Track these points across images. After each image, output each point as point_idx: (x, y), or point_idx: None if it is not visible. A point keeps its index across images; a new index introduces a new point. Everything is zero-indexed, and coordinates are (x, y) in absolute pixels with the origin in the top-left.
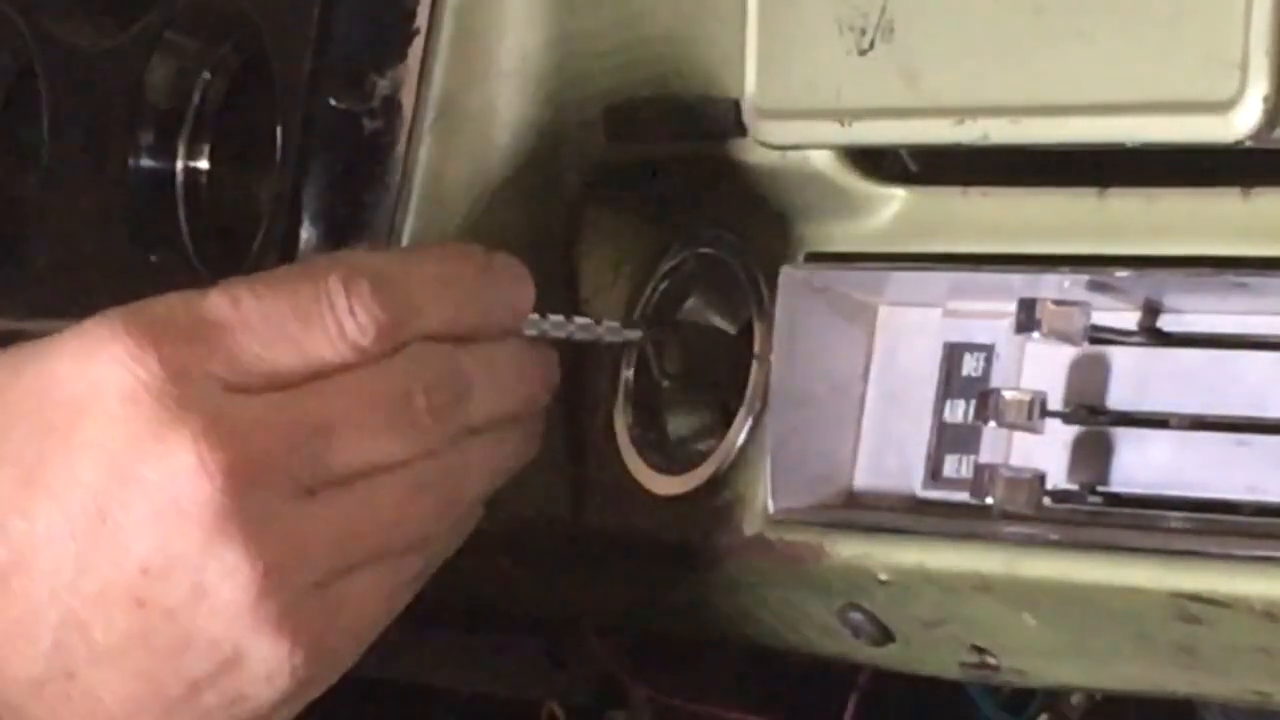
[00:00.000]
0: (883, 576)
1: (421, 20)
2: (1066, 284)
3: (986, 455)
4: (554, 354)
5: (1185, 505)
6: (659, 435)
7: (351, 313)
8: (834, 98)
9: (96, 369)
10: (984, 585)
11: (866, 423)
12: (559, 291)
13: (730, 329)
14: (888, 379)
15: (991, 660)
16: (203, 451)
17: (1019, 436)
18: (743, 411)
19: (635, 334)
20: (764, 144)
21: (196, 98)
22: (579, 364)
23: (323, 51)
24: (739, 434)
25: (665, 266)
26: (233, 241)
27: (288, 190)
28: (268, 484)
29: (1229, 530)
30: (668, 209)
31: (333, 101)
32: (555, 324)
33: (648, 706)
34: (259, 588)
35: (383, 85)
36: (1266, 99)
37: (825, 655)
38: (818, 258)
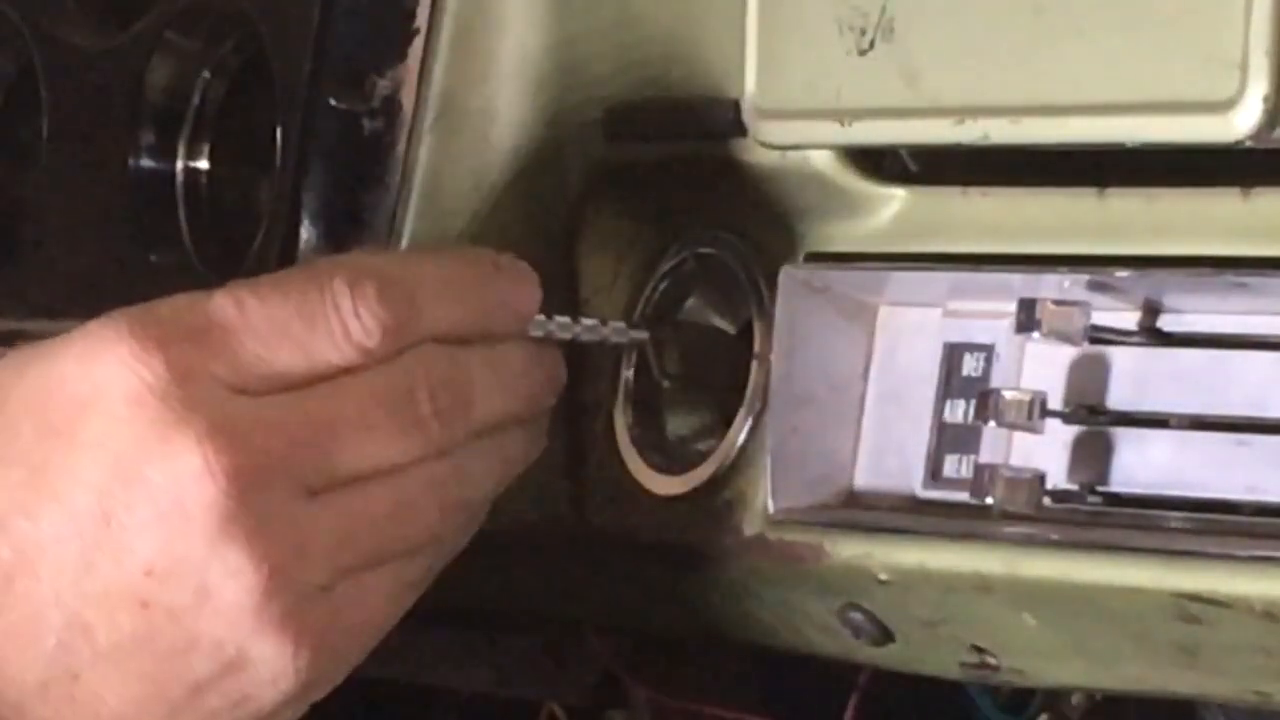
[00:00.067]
0: (883, 576)
1: (421, 20)
2: (1066, 284)
3: (986, 455)
4: (559, 355)
5: (1185, 505)
6: (659, 435)
7: (356, 315)
8: (834, 98)
9: (101, 370)
10: (984, 585)
11: (866, 423)
12: (559, 291)
13: (730, 329)
14: (888, 379)
15: (991, 660)
16: (207, 453)
17: (1019, 436)
18: (743, 411)
19: (641, 335)
20: (764, 144)
21: (196, 98)
22: (579, 364)
23: (323, 51)
24: (739, 434)
25: (665, 266)
26: (233, 241)
27: (288, 190)
28: (272, 486)
29: (1229, 530)
30: (668, 209)
31: (333, 101)
32: (561, 325)
33: (648, 706)
34: (263, 589)
35: (383, 85)
36: (1266, 99)
37: (825, 655)
38: (818, 258)
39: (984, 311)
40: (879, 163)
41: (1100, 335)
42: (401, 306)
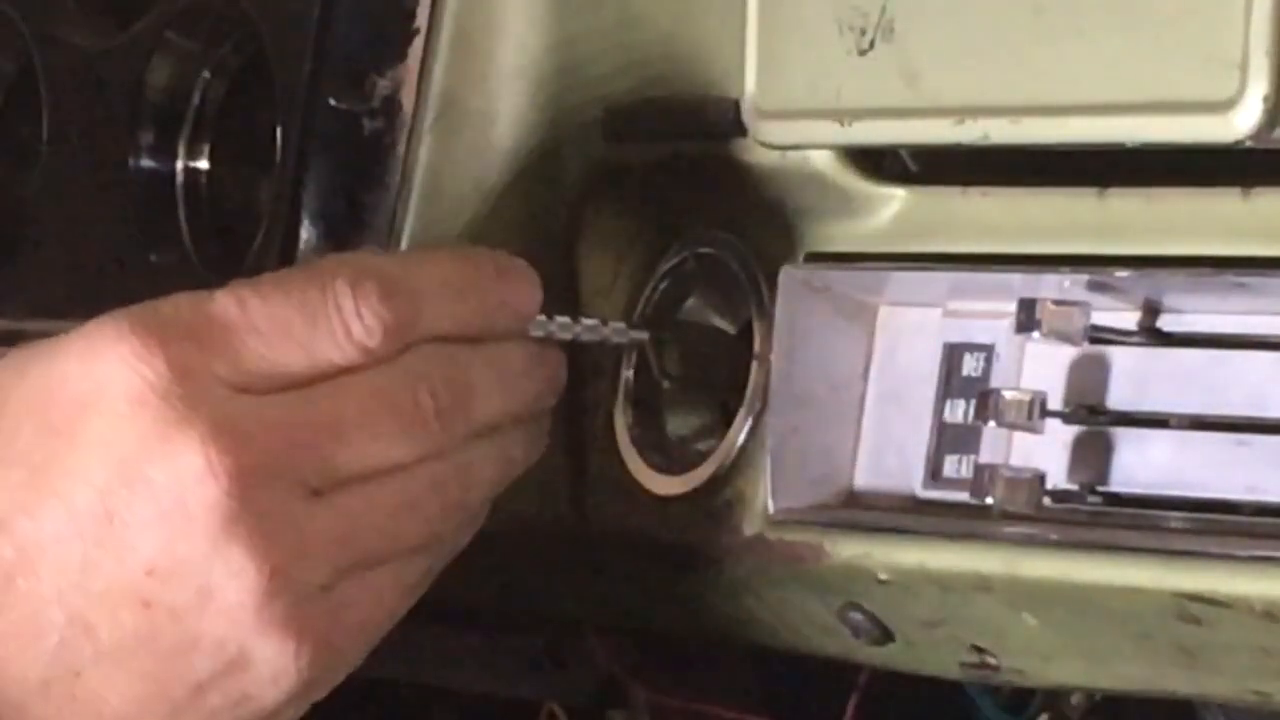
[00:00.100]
0: (883, 576)
1: (421, 20)
2: (1066, 284)
3: (986, 455)
4: (561, 355)
5: (1185, 505)
6: (659, 435)
7: (358, 314)
8: (834, 98)
9: (103, 369)
10: (984, 585)
11: (866, 423)
12: (559, 292)
13: (730, 329)
14: (888, 379)
15: (991, 660)
16: (209, 453)
17: (1019, 436)
18: (743, 411)
19: (642, 335)
20: (764, 144)
21: (196, 98)
22: (579, 364)
23: (323, 51)
24: (739, 434)
25: (665, 266)
26: (233, 241)
27: (288, 190)
28: (274, 485)
29: (1229, 530)
30: (668, 209)
31: (333, 101)
32: (562, 325)
33: (647, 706)
34: (265, 589)
35: (383, 85)
36: (1266, 99)
37: (825, 655)
38: (818, 258)
39: (984, 311)
40: (879, 163)
41: (1100, 335)
42: (403, 306)
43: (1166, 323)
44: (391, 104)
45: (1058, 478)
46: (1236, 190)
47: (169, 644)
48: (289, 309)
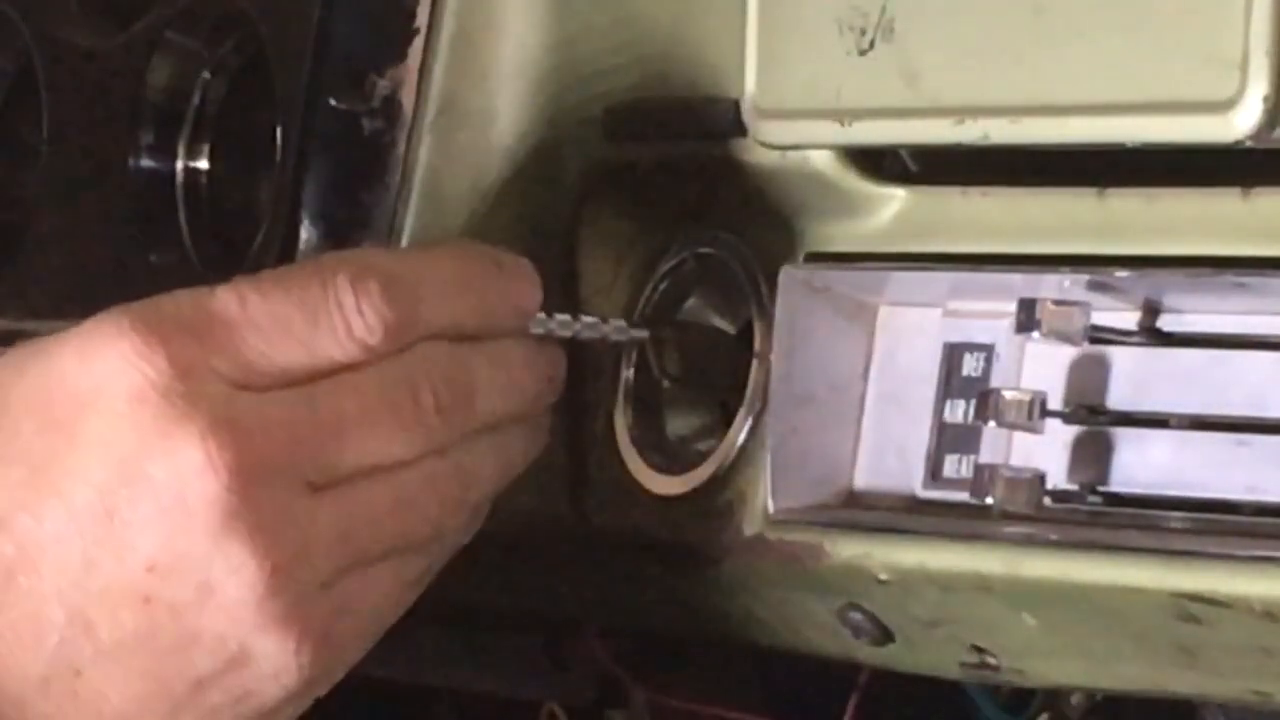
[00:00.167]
0: (883, 576)
1: (421, 20)
2: (1066, 284)
3: (986, 455)
4: (561, 353)
5: (1185, 505)
6: (659, 435)
7: (359, 311)
8: (834, 98)
9: (103, 366)
10: (984, 585)
11: (866, 423)
12: (559, 291)
13: (730, 329)
14: (888, 379)
15: (991, 660)
16: (210, 449)
17: (1019, 436)
18: (743, 411)
19: (642, 333)
20: (764, 144)
21: (196, 98)
22: (579, 364)
23: (323, 51)
24: (739, 434)
25: (665, 266)
26: (233, 241)
27: (288, 190)
28: (275, 482)
29: (1229, 530)
30: (668, 209)
31: (333, 101)
32: (562, 323)
33: (647, 706)
34: (266, 585)
35: (383, 85)
36: (1266, 99)
37: (825, 655)
38: (818, 258)
39: (984, 311)
40: (879, 163)
41: (1100, 335)
42: (404, 303)
43: (1166, 323)
44: (391, 104)
45: (1058, 478)
46: (1236, 190)
47: (169, 641)
48: (290, 306)
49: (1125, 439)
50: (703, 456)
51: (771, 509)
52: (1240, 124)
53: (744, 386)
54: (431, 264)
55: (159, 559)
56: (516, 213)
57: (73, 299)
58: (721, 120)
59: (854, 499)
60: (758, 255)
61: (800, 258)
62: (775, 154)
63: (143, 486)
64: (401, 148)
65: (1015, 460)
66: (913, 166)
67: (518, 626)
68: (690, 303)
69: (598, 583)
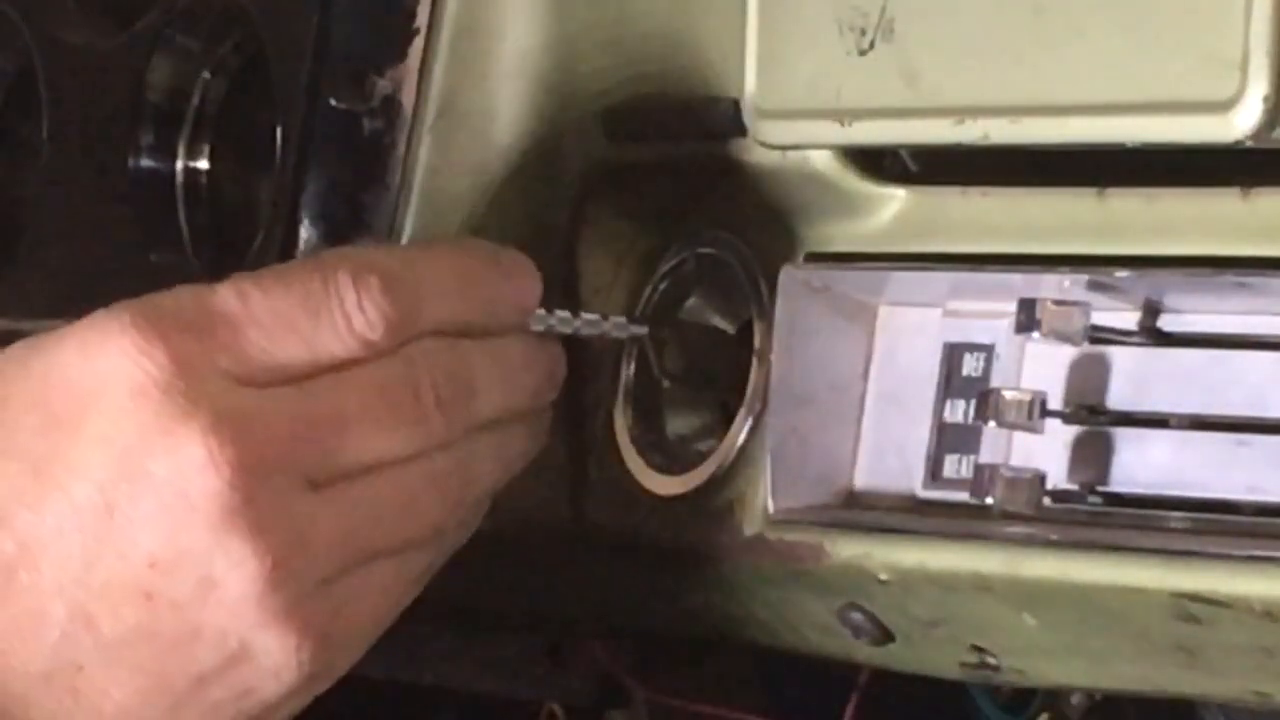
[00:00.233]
0: (883, 576)
1: (421, 20)
2: (1066, 284)
3: (986, 455)
4: (561, 349)
5: (1185, 505)
6: (659, 435)
7: (360, 308)
8: (834, 98)
9: (104, 362)
10: (984, 585)
11: (866, 423)
12: (560, 291)
13: (730, 329)
14: (888, 379)
15: (991, 660)
16: (211, 445)
17: (1019, 436)
18: (743, 411)
19: (641, 329)
20: (764, 144)
21: (196, 98)
22: (579, 364)
23: (323, 51)
24: (739, 434)
25: (665, 266)
26: (233, 241)
27: (288, 190)
28: (276, 478)
29: (1229, 530)
30: (668, 209)
31: (333, 101)
32: (562, 319)
33: (647, 706)
34: (266, 581)
35: (383, 85)
36: (1266, 99)
37: (825, 655)
38: (818, 258)
39: (984, 311)
40: (879, 163)
41: (1100, 335)
42: (404, 299)
43: (1166, 323)
44: (391, 104)
45: (1058, 478)
46: (1236, 190)
47: (170, 636)
48: (290, 302)
49: (1125, 439)
50: (703, 456)
51: (771, 509)
52: (1240, 124)
53: (744, 386)
54: (432, 260)
55: (160, 555)
56: (517, 213)
57: (73, 299)
58: (721, 120)
59: (854, 499)
60: (758, 255)
61: (800, 258)
62: (775, 154)
63: (144, 482)
64: (401, 148)
65: (1015, 460)
66: (913, 166)
67: (518, 626)
68: (690, 302)
69: (598, 583)
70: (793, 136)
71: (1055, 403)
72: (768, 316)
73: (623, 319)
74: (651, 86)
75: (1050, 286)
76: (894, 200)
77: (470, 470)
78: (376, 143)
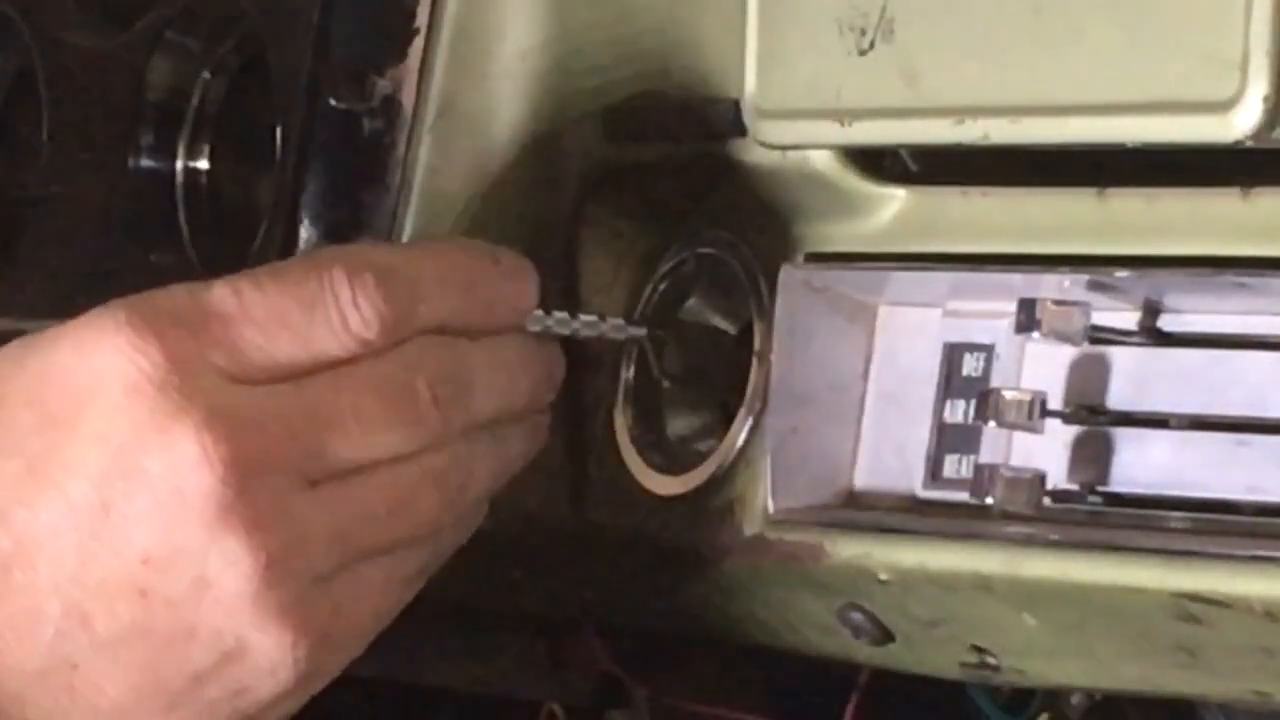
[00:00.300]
0: (883, 576)
1: (421, 20)
2: (1066, 284)
3: (986, 455)
4: (559, 350)
5: (1185, 505)
6: (659, 435)
7: (355, 305)
8: (834, 98)
9: (99, 360)
10: (984, 585)
11: (866, 423)
12: (559, 291)
13: (730, 329)
14: (888, 379)
15: (991, 660)
16: (205, 442)
17: (1019, 436)
18: (743, 411)
19: (639, 331)
20: (764, 144)
21: (196, 98)
22: (579, 364)
23: (323, 51)
24: (739, 434)
25: (665, 266)
26: (233, 241)
27: (288, 190)
28: (270, 475)
29: (1229, 530)
30: (668, 209)
31: (333, 101)
32: (559, 320)
33: (647, 706)
34: (261, 579)
35: (383, 85)
36: (1266, 99)
37: (825, 655)
38: (818, 258)
39: (984, 311)
40: (879, 163)
41: (1100, 335)
42: (401, 298)
43: (1166, 323)
44: (391, 104)
45: (1058, 478)
46: (1236, 190)
47: (166, 634)
48: (286, 299)
49: (1125, 439)
50: (703, 456)
51: (771, 509)
52: (1240, 124)
53: (744, 386)
54: (429, 259)
55: (155, 552)
56: (516, 213)
57: (73, 298)
58: (721, 120)
59: (854, 499)
60: (758, 255)
61: (800, 258)
62: (775, 154)
63: (138, 480)
64: (401, 148)
65: (1015, 460)
66: (913, 166)
67: (518, 626)
68: (690, 303)
69: (598, 583)
70: (793, 136)
71: (1055, 403)
72: (768, 316)
73: (621, 320)
74: (651, 86)
75: (1050, 286)
76: (894, 200)
77: (467, 469)
78: (376, 143)
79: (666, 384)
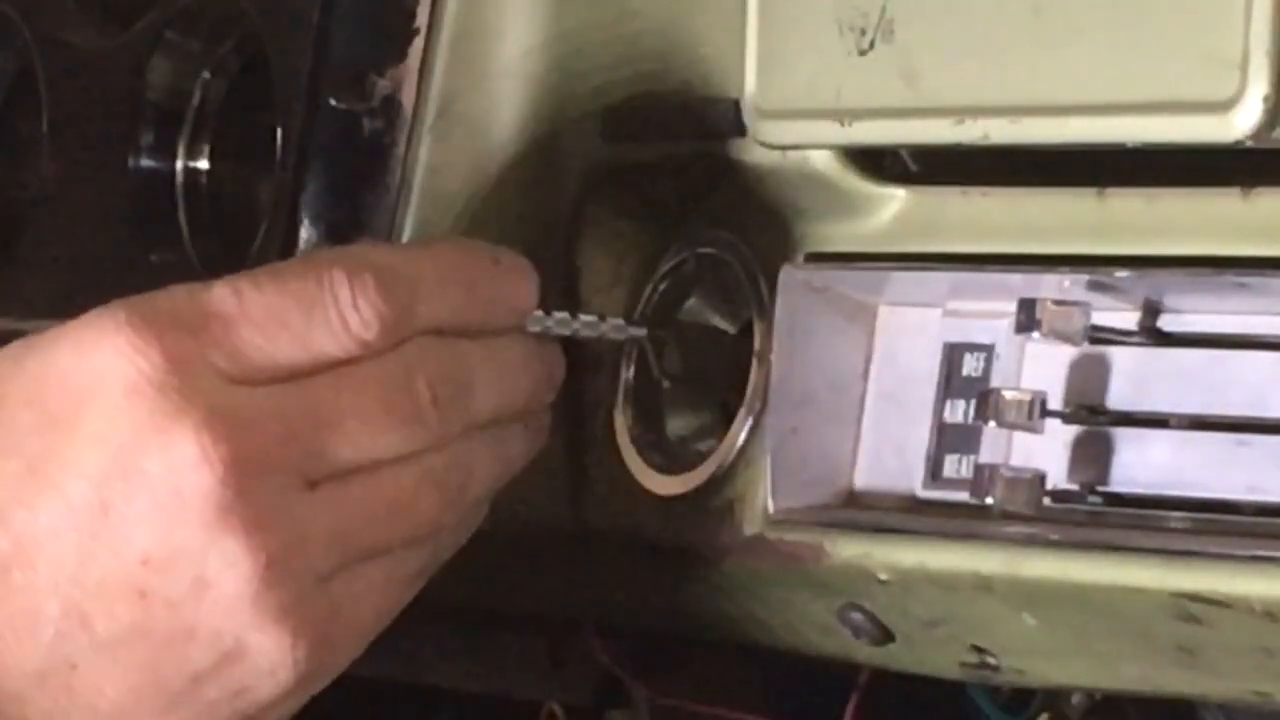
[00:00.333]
0: (883, 576)
1: (421, 20)
2: (1066, 284)
3: (986, 455)
4: (558, 351)
5: (1185, 505)
6: (659, 435)
7: (355, 306)
8: (834, 98)
9: (99, 360)
10: (984, 585)
11: (866, 423)
12: (559, 292)
13: (730, 329)
14: (888, 379)
15: (991, 660)
16: (204, 443)
17: (1019, 436)
18: (743, 411)
19: (639, 331)
20: (764, 144)
21: (196, 98)
22: (579, 364)
23: (323, 51)
24: (739, 434)
25: (665, 266)
26: (233, 241)
27: (288, 190)
28: (270, 476)
29: (1229, 530)
30: (668, 209)
31: (333, 101)
32: (559, 321)
33: (647, 706)
34: (261, 579)
35: (383, 85)
36: (1266, 99)
37: (825, 655)
38: (818, 258)
39: (984, 311)
40: (879, 163)
41: (1100, 335)
42: (400, 298)
43: (1166, 323)
44: (391, 104)
45: (1058, 478)
46: (1236, 190)
47: (165, 635)
48: (285, 300)
49: (1125, 439)
50: (703, 456)
51: (771, 509)
52: (1240, 124)
53: (744, 386)
54: (428, 259)
55: (154, 553)
56: (516, 213)
57: (73, 298)
58: (721, 120)
59: (854, 499)
60: (758, 255)
61: (800, 258)
62: (775, 154)
63: (138, 480)
64: (401, 148)
65: (1015, 460)
66: (913, 166)
67: (518, 626)
68: (690, 303)
69: (598, 583)
70: (793, 136)
71: (1055, 403)
72: (768, 316)
73: (620, 320)
74: (651, 86)
75: (1050, 286)
76: (894, 200)
77: (467, 470)
78: (376, 143)
79: (666, 384)
